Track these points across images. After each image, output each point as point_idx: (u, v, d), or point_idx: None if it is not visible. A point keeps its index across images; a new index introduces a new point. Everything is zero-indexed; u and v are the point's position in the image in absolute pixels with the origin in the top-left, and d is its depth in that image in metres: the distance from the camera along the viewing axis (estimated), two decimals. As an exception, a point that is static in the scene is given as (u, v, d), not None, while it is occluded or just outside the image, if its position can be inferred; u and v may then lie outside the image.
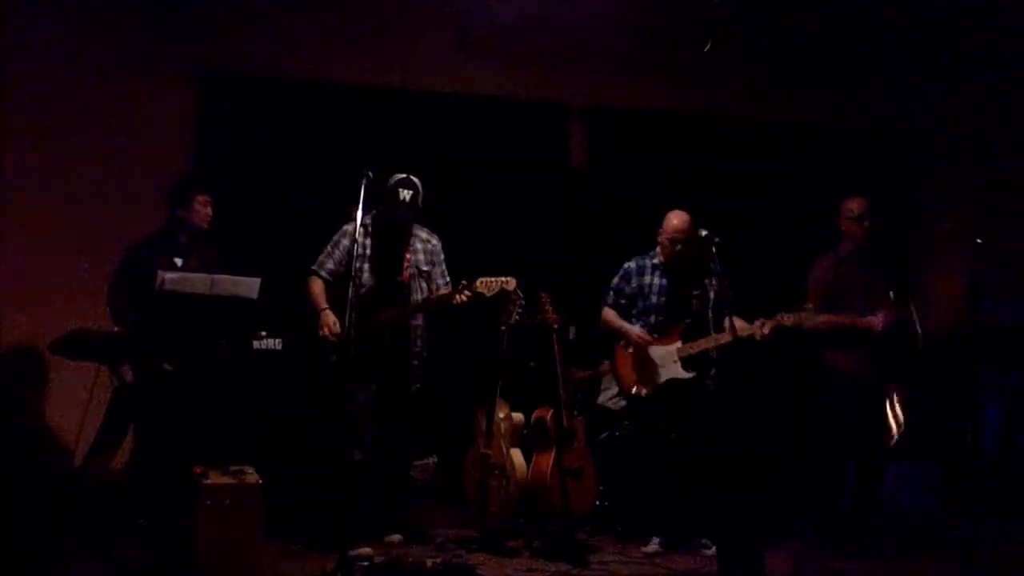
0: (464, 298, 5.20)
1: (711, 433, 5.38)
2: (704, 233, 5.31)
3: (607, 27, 6.88)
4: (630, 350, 5.57)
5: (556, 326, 5.64)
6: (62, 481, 5.53)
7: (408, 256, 5.40)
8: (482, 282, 5.19)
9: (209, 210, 5.47)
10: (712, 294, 5.49)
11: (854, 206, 5.71)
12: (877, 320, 5.56)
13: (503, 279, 5.20)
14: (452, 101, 6.82)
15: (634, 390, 5.55)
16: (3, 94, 6.03)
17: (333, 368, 5.14)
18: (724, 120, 7.24)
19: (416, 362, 5.42)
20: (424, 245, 5.48)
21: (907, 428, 5.65)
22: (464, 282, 5.24)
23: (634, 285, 5.60)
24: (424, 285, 5.40)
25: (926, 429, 6.31)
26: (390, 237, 5.37)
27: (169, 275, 5.11)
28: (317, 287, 5.40)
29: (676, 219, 5.51)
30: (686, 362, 5.46)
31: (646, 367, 5.52)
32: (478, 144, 6.82)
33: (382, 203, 5.27)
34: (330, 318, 5.24)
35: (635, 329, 5.55)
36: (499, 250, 5.32)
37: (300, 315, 5.46)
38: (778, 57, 7.18)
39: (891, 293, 5.56)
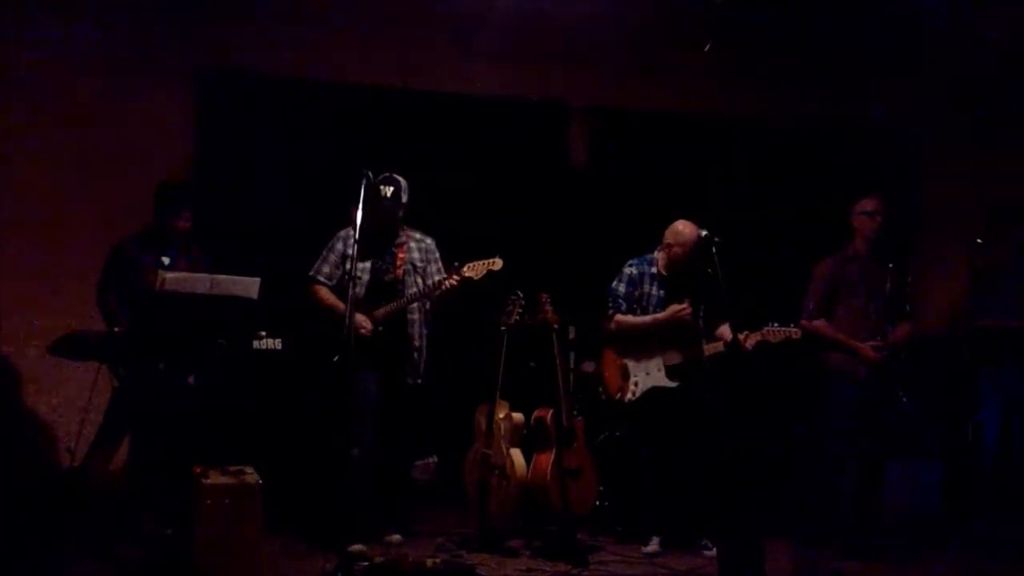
0: (453, 282, 5.23)
1: (700, 441, 5.38)
2: (704, 233, 5.30)
3: (607, 27, 6.88)
4: (617, 358, 5.58)
5: (556, 326, 5.64)
6: (62, 481, 5.53)
7: (401, 255, 5.44)
8: (469, 266, 5.24)
9: (190, 223, 5.45)
10: (704, 304, 5.48)
11: (868, 203, 5.74)
12: (867, 349, 5.59)
13: (489, 260, 5.23)
14: (452, 101, 6.82)
15: (618, 396, 5.56)
16: (3, 94, 6.03)
17: (334, 366, 5.14)
18: (724, 120, 7.23)
19: (415, 355, 5.43)
20: (418, 244, 5.53)
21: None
22: (452, 267, 5.28)
23: (638, 291, 5.56)
24: (419, 280, 5.42)
25: (926, 429, 6.32)
26: (379, 234, 5.39)
27: (169, 275, 5.11)
28: (325, 293, 5.43)
29: (689, 229, 5.41)
30: (671, 371, 5.46)
31: (631, 374, 5.52)
32: (478, 144, 6.82)
33: (369, 202, 5.27)
34: (360, 318, 5.23)
35: (671, 308, 5.41)
36: (499, 250, 5.30)
37: (300, 315, 5.47)
38: (778, 57, 7.18)
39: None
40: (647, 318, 5.50)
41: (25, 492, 5.34)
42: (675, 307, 5.42)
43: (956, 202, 7.29)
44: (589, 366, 6.16)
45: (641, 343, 5.53)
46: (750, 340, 5.31)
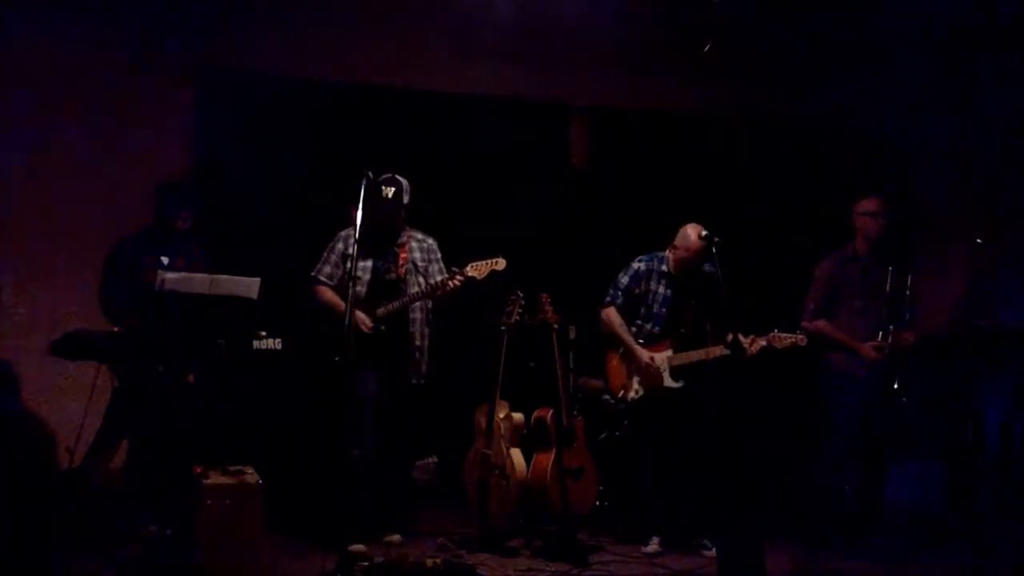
0: (457, 283, 5.24)
1: (700, 441, 5.38)
2: (704, 233, 5.30)
3: (607, 27, 6.88)
4: (621, 350, 5.58)
5: (556, 326, 5.63)
6: (62, 481, 5.53)
7: (403, 254, 5.44)
8: (473, 266, 5.25)
9: (190, 223, 5.48)
10: (708, 306, 5.46)
11: (870, 204, 5.74)
12: (868, 349, 5.59)
13: (493, 260, 5.24)
14: (452, 101, 6.82)
15: (620, 394, 5.56)
16: (3, 94, 6.03)
17: (335, 366, 5.13)
18: (724, 121, 7.23)
19: (417, 355, 5.44)
20: (420, 244, 5.54)
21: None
22: (455, 268, 5.29)
23: (643, 288, 5.57)
24: (421, 280, 5.43)
25: (926, 429, 6.32)
26: (380, 234, 5.39)
27: (169, 275, 5.12)
28: (327, 292, 5.44)
29: (695, 234, 5.38)
30: (675, 372, 5.45)
31: (635, 374, 5.52)
32: (478, 144, 6.82)
33: (369, 202, 5.28)
34: (360, 315, 5.25)
35: (644, 355, 5.46)
36: (499, 249, 5.31)
37: (300, 315, 5.47)
38: (779, 58, 7.18)
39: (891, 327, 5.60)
40: (627, 338, 5.52)
41: (25, 492, 5.33)
42: (648, 361, 5.43)
43: (956, 202, 7.29)
44: (594, 382, 6.16)
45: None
46: (755, 345, 5.28)
